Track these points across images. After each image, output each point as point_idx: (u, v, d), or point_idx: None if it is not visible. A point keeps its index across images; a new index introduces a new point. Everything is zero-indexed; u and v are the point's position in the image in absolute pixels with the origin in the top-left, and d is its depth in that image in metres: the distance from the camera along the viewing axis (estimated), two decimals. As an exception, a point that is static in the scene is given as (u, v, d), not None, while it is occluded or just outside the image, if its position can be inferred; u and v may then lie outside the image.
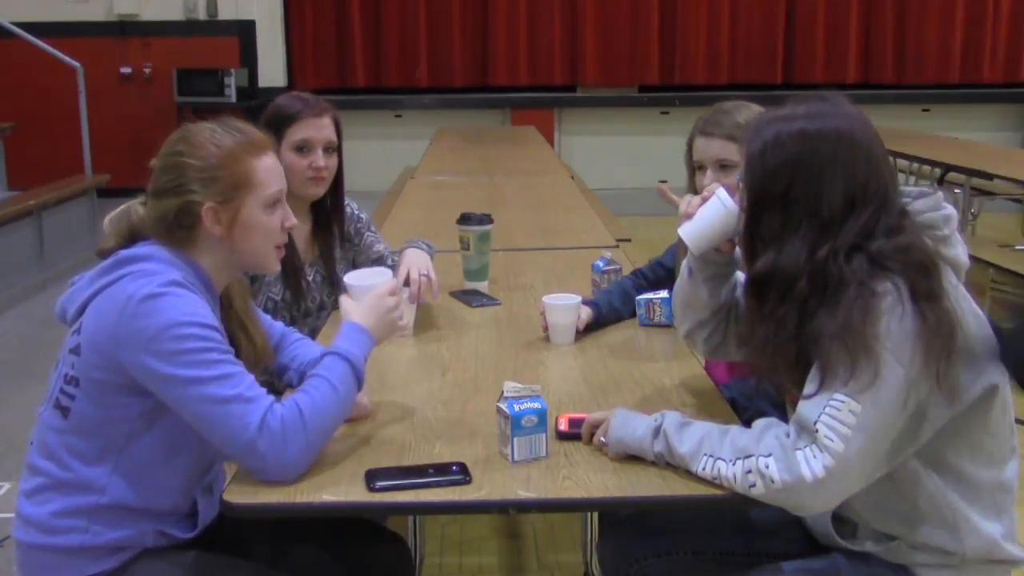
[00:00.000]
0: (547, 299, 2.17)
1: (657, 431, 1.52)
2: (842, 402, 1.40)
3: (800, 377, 1.49)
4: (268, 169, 1.66)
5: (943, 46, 9.60)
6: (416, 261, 2.28)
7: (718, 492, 1.46)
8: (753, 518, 1.78)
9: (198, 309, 1.54)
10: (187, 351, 1.49)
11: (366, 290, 1.79)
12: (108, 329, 1.53)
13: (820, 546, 1.66)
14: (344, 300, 1.78)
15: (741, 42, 9.61)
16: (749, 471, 1.42)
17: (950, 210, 1.54)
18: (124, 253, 1.61)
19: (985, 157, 6.05)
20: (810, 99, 1.54)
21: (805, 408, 1.43)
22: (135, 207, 1.68)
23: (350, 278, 1.85)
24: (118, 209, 1.70)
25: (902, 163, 6.59)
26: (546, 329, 2.18)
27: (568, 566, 2.85)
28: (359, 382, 1.62)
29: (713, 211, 1.68)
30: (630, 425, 1.55)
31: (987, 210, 6.63)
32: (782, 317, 1.48)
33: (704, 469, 1.47)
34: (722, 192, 1.69)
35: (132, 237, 1.66)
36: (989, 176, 5.65)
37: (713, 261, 1.73)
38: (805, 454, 1.40)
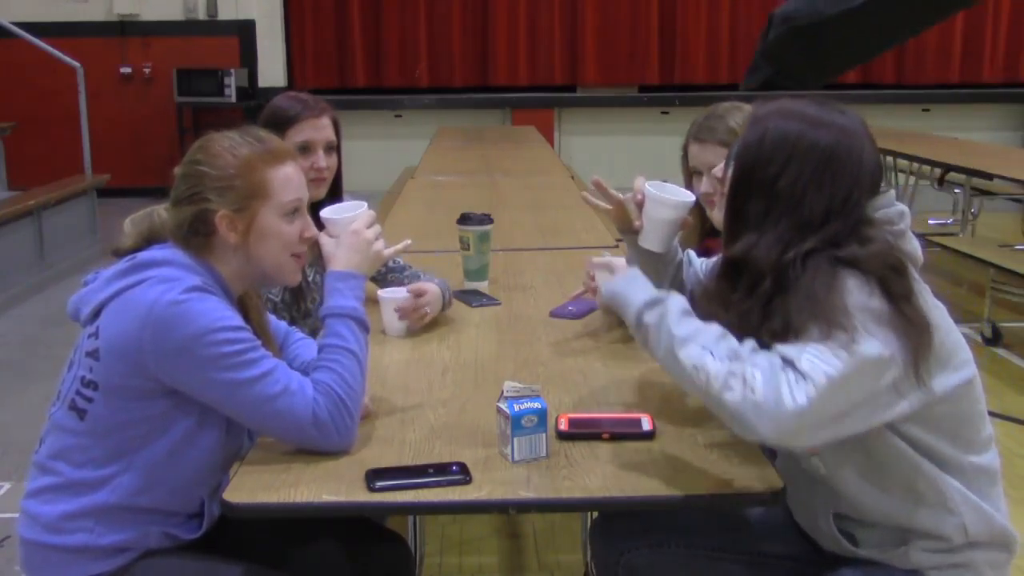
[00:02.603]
0: (650, 185, 1.83)
1: (657, 303, 1.50)
2: (823, 347, 1.38)
3: None
4: (285, 179, 1.67)
5: (943, 46, 9.61)
6: (431, 298, 2.23)
7: (718, 492, 1.46)
8: (750, 518, 1.78)
9: (224, 312, 1.56)
10: (225, 355, 1.52)
11: (345, 223, 1.76)
12: (130, 335, 1.53)
13: (818, 549, 1.66)
14: (325, 242, 1.77)
15: (741, 42, 9.63)
16: (734, 374, 1.38)
17: (903, 206, 1.56)
18: (142, 256, 1.62)
19: (985, 157, 6.05)
20: (825, 103, 1.56)
21: (786, 348, 1.40)
22: (159, 211, 1.70)
23: (327, 212, 1.80)
24: (142, 211, 1.71)
25: (902, 163, 6.59)
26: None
27: (568, 566, 2.85)
28: (367, 329, 1.68)
29: (654, 211, 1.73)
30: (634, 285, 1.53)
31: (987, 210, 6.64)
32: (747, 311, 1.49)
33: (690, 356, 1.43)
34: (648, 188, 1.74)
35: (150, 240, 1.67)
36: (989, 176, 5.66)
37: (651, 258, 1.79)
38: (788, 379, 1.36)
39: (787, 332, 1.43)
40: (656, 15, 9.57)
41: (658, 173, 1.84)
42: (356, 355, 1.64)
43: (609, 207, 1.80)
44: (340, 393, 1.57)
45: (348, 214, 1.77)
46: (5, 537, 2.91)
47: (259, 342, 1.59)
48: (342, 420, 1.56)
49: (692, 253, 1.84)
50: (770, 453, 1.63)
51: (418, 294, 2.19)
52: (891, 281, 1.43)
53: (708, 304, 1.57)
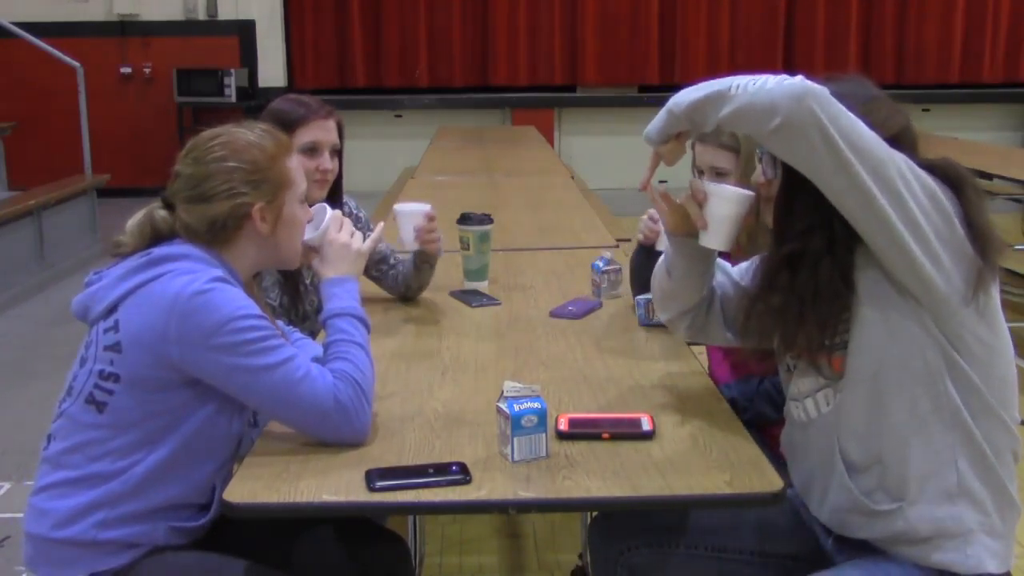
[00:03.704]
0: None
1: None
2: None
3: (798, 339, 1.54)
4: (298, 167, 1.78)
5: (943, 46, 9.61)
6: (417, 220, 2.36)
7: (719, 492, 1.46)
8: (750, 518, 1.77)
9: (246, 301, 1.60)
10: (249, 341, 1.56)
11: (320, 237, 1.82)
12: (155, 326, 1.56)
13: (821, 549, 1.66)
14: (313, 264, 1.84)
15: (741, 42, 9.62)
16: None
17: None
18: (157, 252, 1.64)
19: (985, 157, 6.05)
20: (831, 76, 1.57)
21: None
22: (157, 211, 1.71)
23: None
24: (140, 214, 1.72)
25: (902, 163, 6.58)
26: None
27: (568, 566, 2.85)
28: (368, 326, 1.76)
29: (718, 208, 1.69)
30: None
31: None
32: (807, 286, 1.52)
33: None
34: (710, 185, 1.71)
35: (155, 239, 1.69)
36: (989, 176, 5.65)
37: (698, 260, 1.76)
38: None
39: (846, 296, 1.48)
40: (656, 15, 9.55)
41: (659, 173, 1.82)
42: (363, 347, 1.69)
43: (666, 210, 1.78)
44: (357, 379, 1.62)
45: (318, 229, 1.83)
46: (5, 537, 2.91)
47: (278, 332, 1.62)
48: (361, 405, 1.60)
49: (720, 260, 1.84)
50: (774, 455, 1.63)
51: (431, 218, 2.36)
52: (967, 192, 1.46)
53: (766, 299, 1.58)
